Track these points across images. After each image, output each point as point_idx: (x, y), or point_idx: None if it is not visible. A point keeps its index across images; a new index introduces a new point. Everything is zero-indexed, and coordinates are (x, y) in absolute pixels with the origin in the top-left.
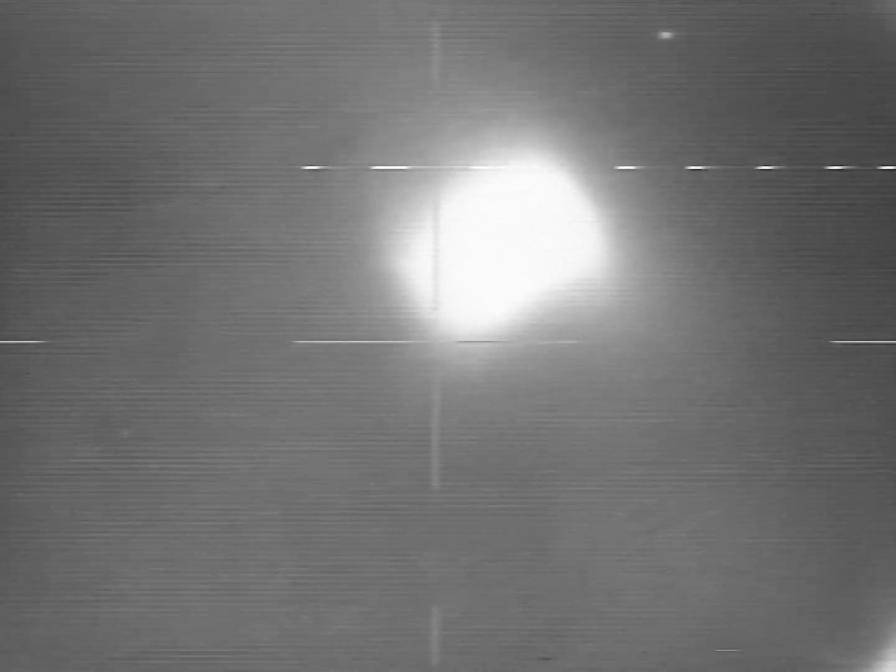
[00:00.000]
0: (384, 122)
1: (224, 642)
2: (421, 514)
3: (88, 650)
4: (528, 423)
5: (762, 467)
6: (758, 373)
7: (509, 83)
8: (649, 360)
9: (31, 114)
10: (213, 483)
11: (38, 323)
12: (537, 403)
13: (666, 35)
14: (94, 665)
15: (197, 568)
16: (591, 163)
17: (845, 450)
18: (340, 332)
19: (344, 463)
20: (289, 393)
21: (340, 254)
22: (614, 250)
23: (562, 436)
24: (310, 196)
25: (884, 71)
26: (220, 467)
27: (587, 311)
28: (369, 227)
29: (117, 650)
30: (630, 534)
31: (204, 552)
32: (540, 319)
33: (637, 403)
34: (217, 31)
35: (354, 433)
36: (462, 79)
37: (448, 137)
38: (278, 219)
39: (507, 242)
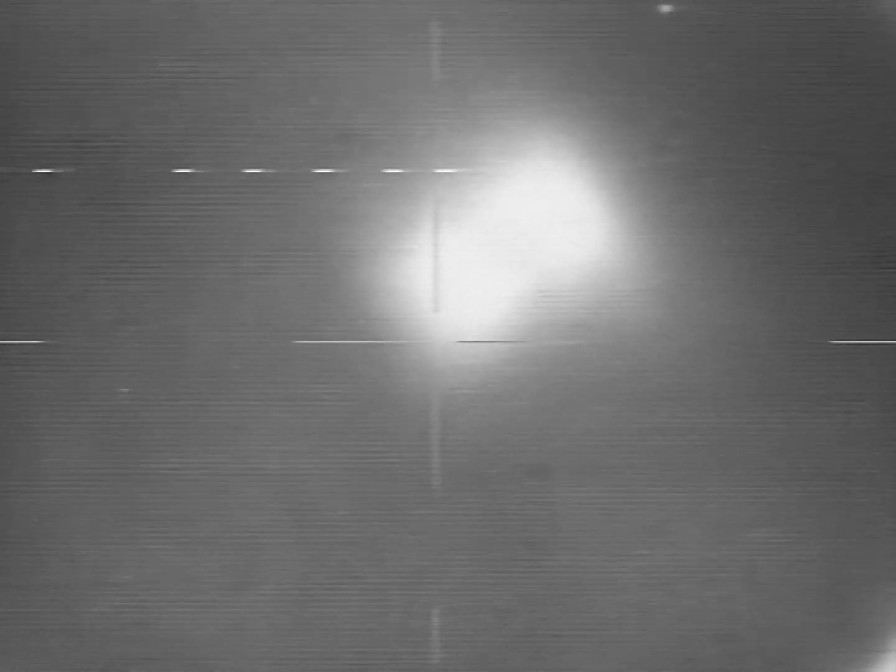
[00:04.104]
0: (384, 123)
1: (223, 642)
2: (421, 515)
3: (87, 649)
4: (529, 423)
5: (761, 467)
6: (757, 373)
7: (510, 82)
8: (649, 360)
9: (30, 114)
10: (212, 483)
11: (38, 323)
12: (538, 403)
13: (667, 8)
14: (93, 665)
15: (196, 568)
16: (594, 161)
17: (845, 450)
18: (340, 332)
19: (344, 463)
20: (288, 393)
21: (340, 254)
22: (616, 251)
23: (563, 436)
24: (309, 196)
25: (887, 70)
26: (220, 467)
27: (588, 311)
28: (369, 228)
29: (116, 649)
30: (630, 534)
31: (203, 552)
32: (541, 320)
33: (638, 403)
34: (216, 31)
35: (354, 433)
36: (462, 78)
37: (448, 137)
38: (278, 219)
39: (507, 242)
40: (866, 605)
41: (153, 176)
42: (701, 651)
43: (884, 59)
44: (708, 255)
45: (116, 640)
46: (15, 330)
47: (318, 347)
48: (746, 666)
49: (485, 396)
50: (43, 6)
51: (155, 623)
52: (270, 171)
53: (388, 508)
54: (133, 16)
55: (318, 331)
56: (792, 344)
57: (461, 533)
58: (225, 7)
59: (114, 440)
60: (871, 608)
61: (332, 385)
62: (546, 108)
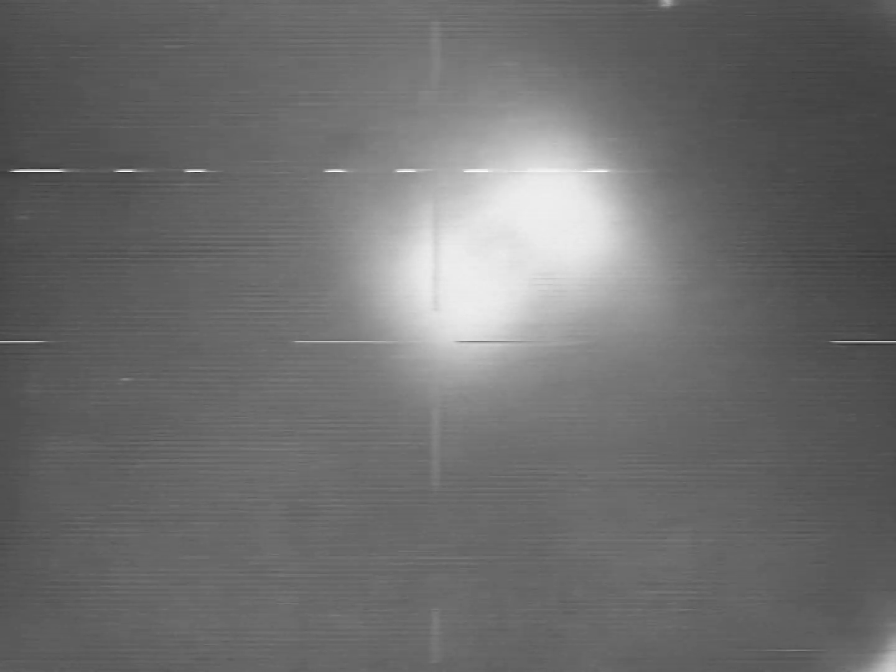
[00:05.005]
0: (383, 122)
1: (223, 642)
2: (421, 515)
3: (85, 650)
4: (529, 423)
5: (761, 467)
6: (757, 372)
7: (510, 82)
8: (649, 361)
9: (29, 113)
10: (212, 483)
11: (38, 323)
12: (538, 404)
13: (668, 3)
14: (91, 665)
15: (195, 568)
16: (595, 162)
17: (846, 450)
18: (340, 332)
19: (343, 462)
20: (288, 393)
21: (340, 254)
22: (616, 251)
23: (563, 436)
24: (309, 196)
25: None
26: (220, 467)
27: (588, 311)
28: (368, 227)
29: (114, 650)
30: (631, 534)
31: (202, 552)
32: (541, 320)
33: (637, 403)
34: (216, 30)
35: (354, 433)
36: (462, 78)
37: (448, 137)
38: (278, 219)
39: (508, 242)
40: (867, 605)
41: (153, 175)
42: (701, 651)
43: (886, 61)
44: (707, 256)
45: (114, 639)
46: (15, 330)
47: (318, 347)
48: (747, 666)
49: (485, 396)
50: (41, 5)
51: (154, 624)
52: (270, 171)
53: (388, 508)
54: (133, 15)
55: (318, 331)
56: (792, 344)
57: (461, 533)
58: (225, 7)
59: (114, 440)
60: (872, 609)
61: (332, 385)
62: (547, 107)
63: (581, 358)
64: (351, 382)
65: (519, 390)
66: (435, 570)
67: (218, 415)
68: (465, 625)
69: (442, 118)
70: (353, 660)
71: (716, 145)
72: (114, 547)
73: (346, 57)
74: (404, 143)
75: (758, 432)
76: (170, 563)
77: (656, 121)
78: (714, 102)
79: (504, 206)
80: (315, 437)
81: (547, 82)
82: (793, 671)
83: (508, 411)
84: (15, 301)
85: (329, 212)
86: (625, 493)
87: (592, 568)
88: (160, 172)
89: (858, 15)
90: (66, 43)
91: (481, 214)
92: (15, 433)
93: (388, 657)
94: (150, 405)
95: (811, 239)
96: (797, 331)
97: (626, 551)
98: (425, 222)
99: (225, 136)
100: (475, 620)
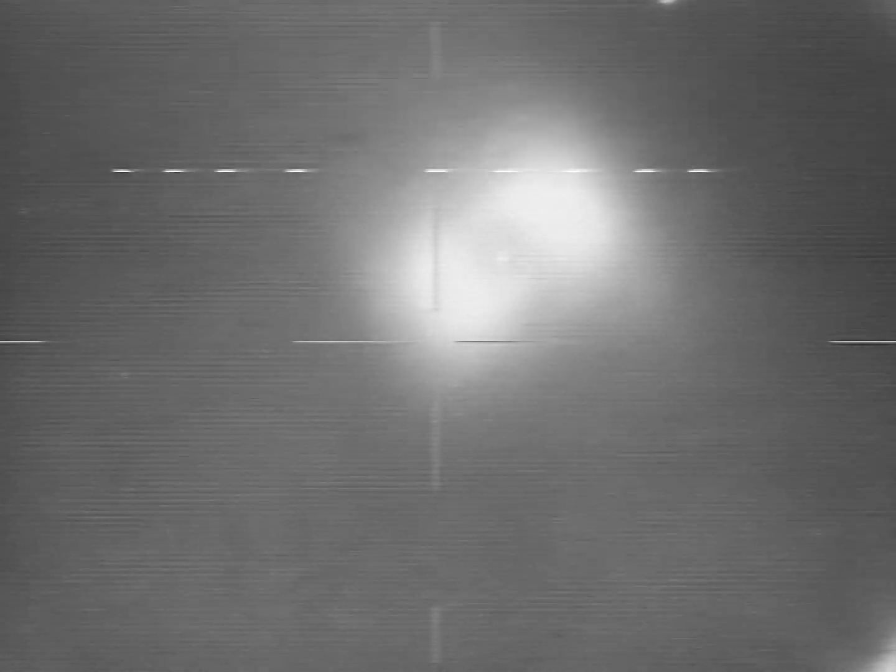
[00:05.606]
0: (384, 123)
1: (224, 642)
2: (421, 515)
3: (86, 649)
4: (528, 422)
5: (761, 467)
6: (757, 373)
7: (509, 83)
8: (649, 361)
9: (30, 113)
10: (212, 483)
11: (38, 323)
12: (537, 403)
13: (668, 0)
14: (91, 665)
15: (196, 568)
16: (592, 163)
17: (845, 450)
18: (340, 332)
19: (344, 463)
20: (289, 393)
21: (340, 254)
22: (615, 251)
23: (562, 435)
24: (310, 196)
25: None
26: (220, 467)
27: (587, 310)
28: (369, 228)
29: (115, 651)
30: (630, 534)
31: (203, 552)
32: (540, 319)
33: (637, 403)
34: (217, 31)
35: (354, 433)
36: (462, 78)
37: (448, 137)
38: (278, 219)
39: (507, 242)
40: (867, 606)
41: (154, 176)
42: (701, 651)
43: (884, 58)
44: (708, 257)
45: (114, 638)
46: (15, 330)
47: (318, 347)
48: (746, 665)
49: (484, 396)
50: (43, 5)
51: (154, 623)
52: (271, 170)
53: (388, 508)
54: (136, 15)
55: (317, 331)
56: (792, 344)
57: (461, 533)
58: (226, 9)
59: (115, 438)
60: (872, 609)
61: (332, 385)
62: (546, 107)
63: (580, 358)
64: (351, 382)
65: (518, 390)
66: (435, 569)
67: (218, 414)
68: (465, 625)
69: (442, 118)
70: (353, 660)
71: (716, 147)
72: (114, 546)
73: (346, 57)
74: (405, 144)
75: (758, 432)
76: (170, 563)
77: (656, 120)
78: (715, 103)
79: (504, 206)
80: (315, 437)
81: (547, 82)
82: (793, 671)
83: (508, 411)
84: (15, 301)
85: (329, 212)
86: (625, 493)
87: (592, 567)
88: (160, 173)
89: (858, 14)
90: (63, 44)
91: (481, 214)
92: (15, 433)
93: (388, 657)
94: (150, 405)
95: (811, 239)
96: (797, 331)
97: (626, 551)
98: (425, 222)
99: (225, 136)
100: (475, 620)
